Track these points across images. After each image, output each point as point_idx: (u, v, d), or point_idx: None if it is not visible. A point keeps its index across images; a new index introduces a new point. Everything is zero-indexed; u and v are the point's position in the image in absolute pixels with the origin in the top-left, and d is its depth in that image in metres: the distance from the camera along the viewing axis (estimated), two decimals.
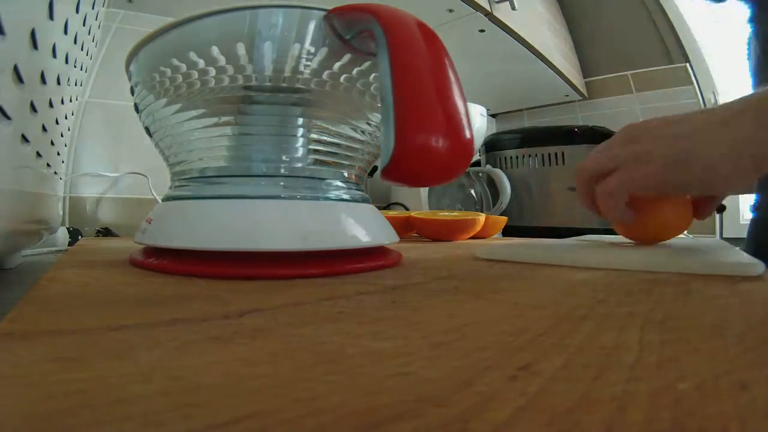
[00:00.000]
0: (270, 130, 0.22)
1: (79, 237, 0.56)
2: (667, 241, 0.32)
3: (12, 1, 0.17)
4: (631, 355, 0.09)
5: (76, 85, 0.33)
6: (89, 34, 0.32)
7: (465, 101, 0.18)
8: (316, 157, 0.23)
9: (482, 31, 0.76)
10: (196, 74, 0.21)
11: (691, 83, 1.23)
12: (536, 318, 0.12)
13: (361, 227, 0.22)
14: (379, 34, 0.18)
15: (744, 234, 0.59)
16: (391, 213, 0.58)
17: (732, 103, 0.25)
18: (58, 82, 0.26)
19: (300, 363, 0.08)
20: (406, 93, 0.17)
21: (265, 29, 0.20)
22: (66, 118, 0.32)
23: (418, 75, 0.17)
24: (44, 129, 0.25)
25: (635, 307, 0.14)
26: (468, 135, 0.17)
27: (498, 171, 0.79)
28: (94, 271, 0.20)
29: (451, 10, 0.70)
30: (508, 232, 0.73)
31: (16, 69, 0.18)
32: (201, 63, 0.21)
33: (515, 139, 0.84)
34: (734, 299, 0.15)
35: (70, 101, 0.33)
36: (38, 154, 0.25)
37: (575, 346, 0.10)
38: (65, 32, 0.24)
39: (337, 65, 0.21)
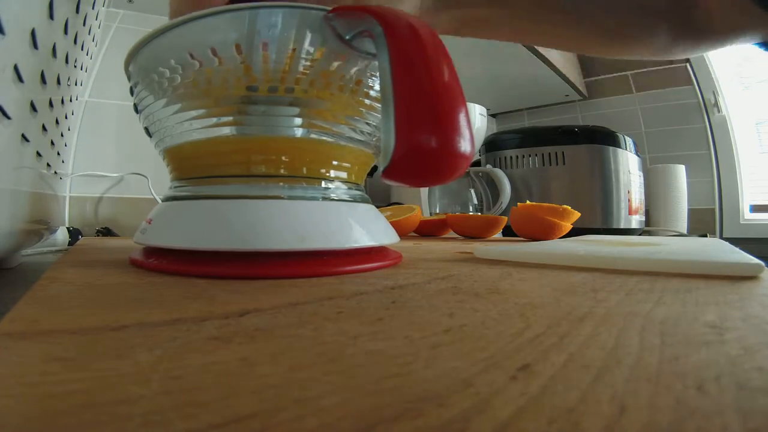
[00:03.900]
0: (269, 130, 0.22)
1: (79, 237, 0.56)
2: (668, 241, 0.32)
3: (12, 1, 0.17)
4: (631, 355, 0.09)
5: (76, 85, 0.33)
6: (89, 34, 0.32)
7: (465, 101, 0.18)
8: (316, 156, 0.23)
9: None
10: (195, 74, 0.21)
11: (691, 83, 1.23)
12: (536, 318, 0.12)
13: (361, 227, 0.22)
14: (379, 34, 0.18)
15: (744, 234, 0.59)
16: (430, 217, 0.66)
17: None
18: (58, 82, 0.26)
19: (300, 363, 0.08)
20: (406, 93, 0.17)
21: (264, 29, 0.20)
22: (66, 117, 0.32)
23: (417, 75, 0.17)
24: (44, 129, 0.25)
25: (635, 307, 0.14)
26: (468, 135, 0.17)
27: (498, 171, 0.79)
28: (94, 271, 0.20)
29: None
30: (508, 232, 0.73)
31: (16, 69, 0.18)
32: (200, 63, 0.21)
33: (515, 139, 0.84)
34: (734, 299, 0.15)
35: (70, 101, 0.33)
36: (38, 154, 0.25)
37: (575, 346, 0.10)
38: (65, 32, 0.24)
39: (336, 65, 0.21)
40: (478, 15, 0.35)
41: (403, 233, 0.58)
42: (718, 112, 1.19)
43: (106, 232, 0.65)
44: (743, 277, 0.20)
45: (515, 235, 0.62)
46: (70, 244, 0.52)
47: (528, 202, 0.56)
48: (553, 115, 1.46)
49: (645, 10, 0.35)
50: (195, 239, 0.20)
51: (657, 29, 0.36)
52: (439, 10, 0.33)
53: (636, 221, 0.84)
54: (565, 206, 0.51)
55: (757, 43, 0.34)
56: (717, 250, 0.29)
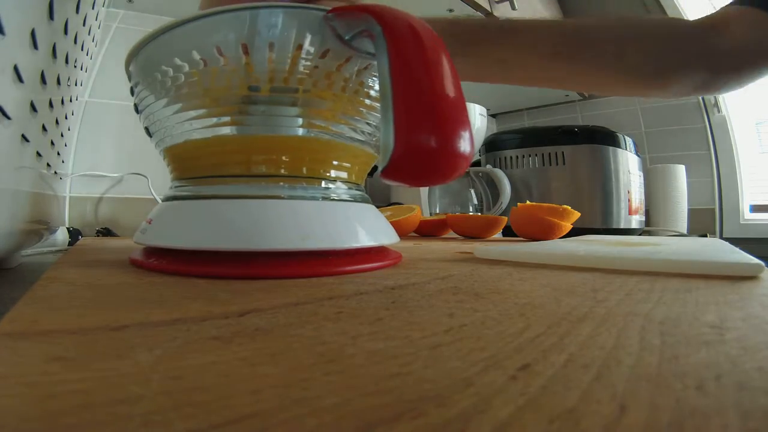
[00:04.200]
0: (270, 130, 0.22)
1: (79, 237, 0.56)
2: (668, 241, 0.32)
3: (12, 1, 0.17)
4: (631, 355, 0.09)
5: (76, 85, 0.33)
6: (89, 34, 0.32)
7: (464, 101, 0.18)
8: (316, 156, 0.23)
9: None
10: (196, 74, 0.21)
11: None
12: (536, 318, 0.12)
13: (361, 227, 0.22)
14: (378, 34, 0.18)
15: (744, 234, 0.60)
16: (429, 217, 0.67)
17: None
18: (58, 83, 0.26)
19: (300, 363, 0.08)
20: (406, 93, 0.17)
21: (264, 29, 0.20)
22: (66, 118, 0.32)
23: (417, 75, 0.17)
24: (44, 129, 0.25)
25: (635, 307, 0.14)
26: (467, 135, 0.17)
27: (498, 171, 0.79)
28: (94, 271, 0.20)
29: (450, 10, 0.70)
30: (508, 232, 0.73)
31: (16, 69, 0.18)
32: (201, 63, 0.21)
33: (515, 139, 0.84)
34: (734, 299, 0.15)
35: (71, 101, 0.33)
36: (38, 154, 0.25)
37: (575, 346, 0.10)
38: (65, 32, 0.24)
39: (336, 65, 0.21)
40: (497, 56, 0.38)
41: (403, 233, 0.58)
42: (718, 112, 1.19)
43: (106, 232, 0.65)
44: (743, 277, 0.20)
45: (515, 235, 0.62)
46: (70, 244, 0.52)
47: (528, 202, 0.56)
48: (553, 115, 1.46)
49: (679, 45, 0.38)
50: (195, 239, 0.20)
51: (695, 67, 0.38)
52: (456, 55, 0.35)
53: (636, 221, 0.84)
54: (565, 206, 0.51)
55: None
56: (717, 250, 0.29)
